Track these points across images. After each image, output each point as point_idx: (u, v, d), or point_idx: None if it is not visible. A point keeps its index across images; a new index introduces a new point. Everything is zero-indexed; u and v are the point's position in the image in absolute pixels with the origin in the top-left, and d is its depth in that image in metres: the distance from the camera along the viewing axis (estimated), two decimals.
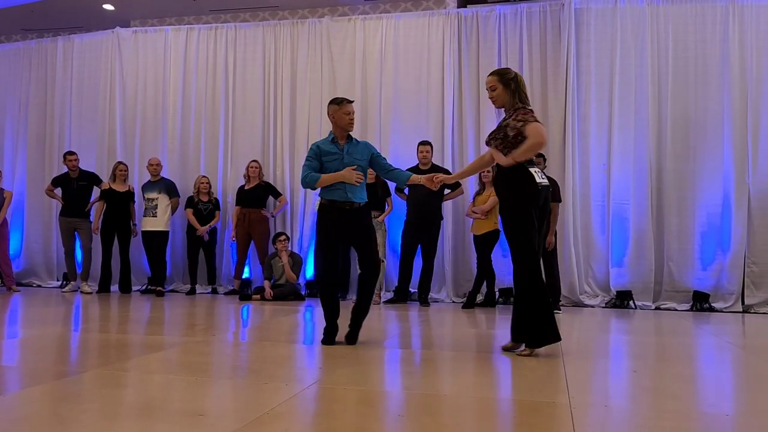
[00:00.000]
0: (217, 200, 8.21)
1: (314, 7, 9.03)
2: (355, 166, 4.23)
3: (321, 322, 5.47)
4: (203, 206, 8.14)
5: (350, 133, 4.37)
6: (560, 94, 7.48)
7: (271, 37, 8.53)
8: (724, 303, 7.03)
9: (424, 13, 8.15)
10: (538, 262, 3.83)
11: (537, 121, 3.85)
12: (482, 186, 7.06)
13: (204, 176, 8.28)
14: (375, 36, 8.15)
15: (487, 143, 4.02)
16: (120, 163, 8.28)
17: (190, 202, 8.19)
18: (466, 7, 8.18)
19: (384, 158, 4.49)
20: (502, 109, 4.07)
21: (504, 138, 3.86)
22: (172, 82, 8.77)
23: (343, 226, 4.26)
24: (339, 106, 4.31)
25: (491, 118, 7.70)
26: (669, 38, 7.34)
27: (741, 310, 6.99)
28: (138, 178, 8.51)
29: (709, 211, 7.18)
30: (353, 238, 4.31)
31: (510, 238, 3.83)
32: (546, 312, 3.78)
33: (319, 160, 4.30)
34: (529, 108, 3.95)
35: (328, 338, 4.26)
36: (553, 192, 6.56)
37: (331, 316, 4.32)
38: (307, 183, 4.28)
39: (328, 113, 4.38)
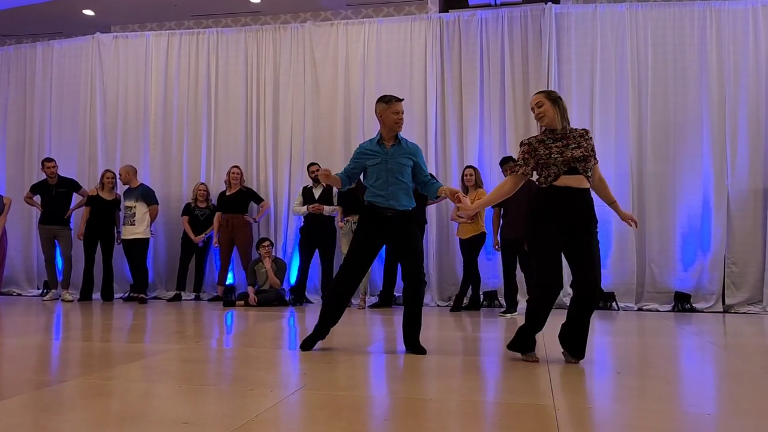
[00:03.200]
0: (214, 206, 8.15)
1: (296, 12, 9.03)
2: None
3: (310, 327, 5.45)
4: (200, 212, 8.10)
5: (399, 134, 4.15)
6: None
7: (253, 43, 8.51)
8: (705, 303, 7.12)
9: (406, 18, 8.18)
10: None
11: None
12: (465, 190, 7.08)
13: (202, 183, 8.25)
14: (357, 41, 8.16)
15: (578, 164, 3.65)
16: (108, 171, 8.20)
17: (187, 209, 8.15)
18: (447, 11, 8.23)
19: (424, 169, 4.23)
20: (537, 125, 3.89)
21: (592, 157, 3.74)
22: (153, 88, 8.72)
23: (382, 234, 4.11)
24: (387, 104, 4.07)
25: (474, 122, 7.75)
26: (648, 42, 7.44)
27: (722, 310, 7.09)
28: (120, 184, 8.42)
29: (689, 213, 7.27)
30: (395, 248, 4.18)
31: (597, 255, 3.70)
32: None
33: (362, 162, 4.14)
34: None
35: (310, 343, 4.13)
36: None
37: (329, 321, 4.17)
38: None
39: (375, 111, 4.17)
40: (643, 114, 7.42)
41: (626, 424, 2.45)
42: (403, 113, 4.10)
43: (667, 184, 7.33)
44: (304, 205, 7.65)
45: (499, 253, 6.83)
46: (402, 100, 4.16)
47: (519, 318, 6.32)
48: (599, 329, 5.61)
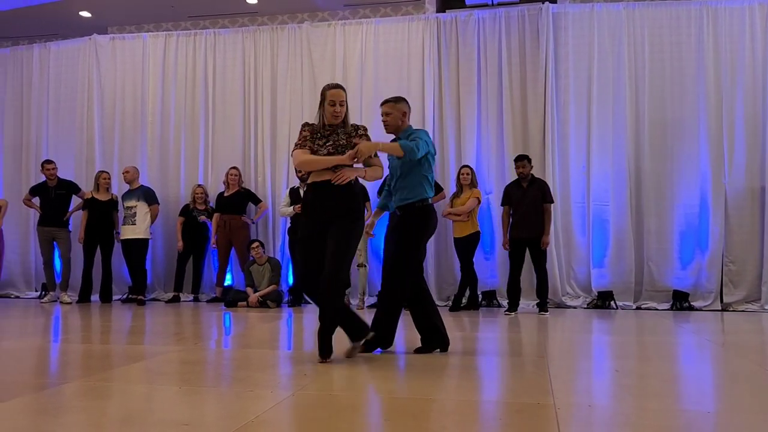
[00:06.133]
0: (212, 208, 8.15)
1: (294, 13, 9.02)
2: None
3: (308, 328, 5.46)
4: (198, 213, 8.09)
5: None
6: (539, 97, 7.55)
7: (250, 43, 8.50)
8: (703, 302, 7.13)
9: (403, 18, 8.18)
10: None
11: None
12: (460, 188, 7.10)
13: (200, 185, 8.23)
14: (355, 41, 8.16)
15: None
16: (102, 172, 8.19)
17: (185, 211, 8.13)
18: (445, 11, 8.23)
19: None
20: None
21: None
22: (151, 89, 8.71)
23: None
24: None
25: (471, 121, 7.75)
26: (645, 41, 7.45)
27: (720, 308, 7.10)
28: (118, 186, 8.42)
29: (687, 211, 7.28)
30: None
31: (341, 243, 3.68)
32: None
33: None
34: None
35: (442, 347, 4.14)
36: (544, 194, 6.62)
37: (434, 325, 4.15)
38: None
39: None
40: (640, 113, 7.43)
41: (626, 423, 2.46)
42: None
43: (665, 183, 7.34)
44: (290, 206, 7.60)
45: (497, 252, 6.85)
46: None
47: (520, 316, 6.33)
48: (598, 328, 5.62)
